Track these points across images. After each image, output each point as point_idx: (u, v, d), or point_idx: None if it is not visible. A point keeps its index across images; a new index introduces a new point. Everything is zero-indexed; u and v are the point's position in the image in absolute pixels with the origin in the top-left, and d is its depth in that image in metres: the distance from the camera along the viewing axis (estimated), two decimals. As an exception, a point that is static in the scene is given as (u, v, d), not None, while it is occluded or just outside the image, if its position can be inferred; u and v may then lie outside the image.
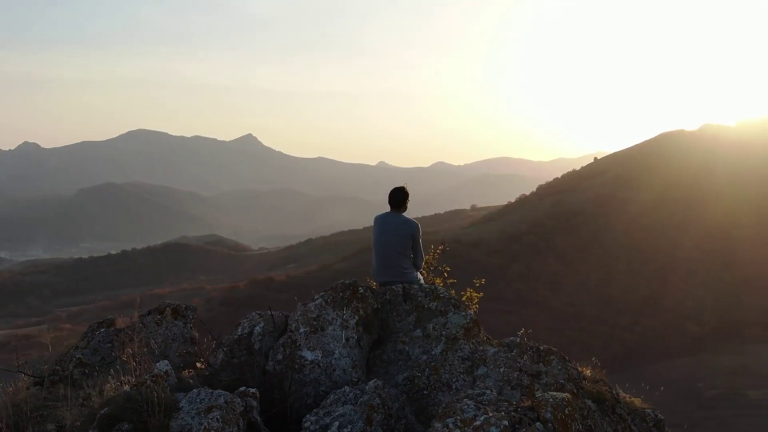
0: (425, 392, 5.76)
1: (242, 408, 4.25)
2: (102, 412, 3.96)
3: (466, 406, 3.62)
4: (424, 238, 7.70)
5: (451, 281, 8.82)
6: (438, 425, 3.51)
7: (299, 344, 6.16)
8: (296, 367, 6.02)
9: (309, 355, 6.04)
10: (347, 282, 6.55)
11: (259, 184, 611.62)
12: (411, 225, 7.51)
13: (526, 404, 3.79)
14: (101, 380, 6.22)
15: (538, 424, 3.50)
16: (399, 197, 7.59)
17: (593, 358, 6.41)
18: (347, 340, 6.14)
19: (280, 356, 6.25)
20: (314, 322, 6.26)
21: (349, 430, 4.54)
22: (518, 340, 5.79)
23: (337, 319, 6.23)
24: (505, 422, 3.41)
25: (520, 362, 5.49)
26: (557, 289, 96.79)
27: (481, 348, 5.96)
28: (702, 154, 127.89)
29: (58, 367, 7.26)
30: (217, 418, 3.96)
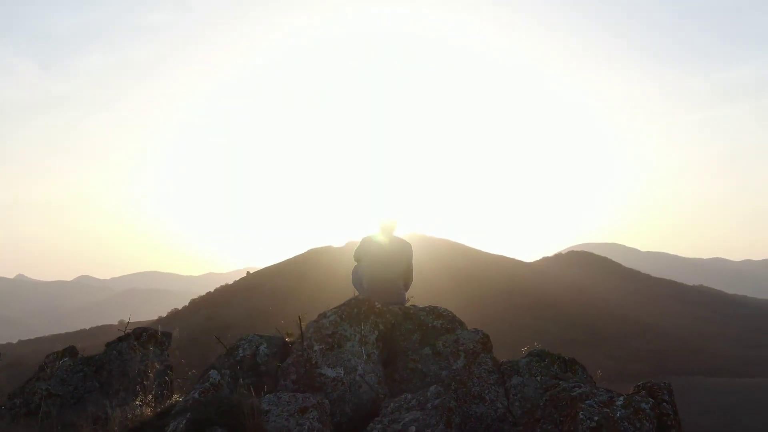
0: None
1: (330, 409, 3.95)
2: (188, 416, 3.52)
3: (596, 390, 3.61)
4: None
5: None
6: (583, 405, 3.47)
7: (316, 362, 5.83)
8: (316, 385, 5.68)
9: (330, 372, 5.72)
10: (360, 297, 6.35)
11: None
12: (405, 246, 7.48)
13: (630, 392, 3.85)
14: (86, 408, 5.58)
15: (664, 404, 3.56)
16: (392, 220, 7.56)
17: (598, 371, 6.60)
18: (368, 355, 5.90)
19: (294, 375, 5.87)
20: (330, 339, 5.97)
21: (431, 432, 4.30)
22: (546, 350, 5.86)
23: (355, 335, 5.99)
24: (651, 399, 3.44)
25: (553, 370, 5.56)
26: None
27: (504, 360, 5.96)
28: (347, 266, 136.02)
29: (19, 400, 6.39)
30: (316, 418, 3.65)
